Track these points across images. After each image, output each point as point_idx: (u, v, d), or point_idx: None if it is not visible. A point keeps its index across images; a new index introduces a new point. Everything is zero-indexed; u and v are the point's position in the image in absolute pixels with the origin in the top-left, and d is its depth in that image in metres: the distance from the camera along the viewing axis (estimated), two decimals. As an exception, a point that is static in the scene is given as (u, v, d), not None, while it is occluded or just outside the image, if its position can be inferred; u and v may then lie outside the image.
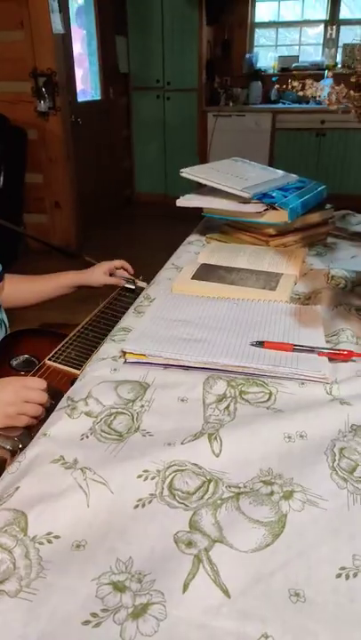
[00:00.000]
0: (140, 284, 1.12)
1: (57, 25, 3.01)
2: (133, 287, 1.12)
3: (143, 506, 0.48)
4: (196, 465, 0.52)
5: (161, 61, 4.39)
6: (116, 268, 1.16)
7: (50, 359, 0.87)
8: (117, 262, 1.16)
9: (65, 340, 0.91)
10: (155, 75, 4.45)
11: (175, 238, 1.32)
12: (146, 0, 4.21)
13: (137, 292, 1.08)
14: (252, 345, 0.71)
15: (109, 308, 1.04)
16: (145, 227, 4.29)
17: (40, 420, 0.66)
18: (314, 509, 0.47)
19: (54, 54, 3.06)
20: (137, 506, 0.48)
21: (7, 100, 3.11)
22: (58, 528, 0.46)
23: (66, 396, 0.66)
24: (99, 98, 4.11)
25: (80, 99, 3.74)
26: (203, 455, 0.53)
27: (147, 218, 4.48)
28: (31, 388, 0.71)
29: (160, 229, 3.98)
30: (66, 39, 3.31)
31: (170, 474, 0.51)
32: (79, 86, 3.78)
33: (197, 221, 1.33)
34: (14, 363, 0.91)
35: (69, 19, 3.45)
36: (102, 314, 1.02)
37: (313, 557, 0.43)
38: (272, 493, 0.48)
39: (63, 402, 0.64)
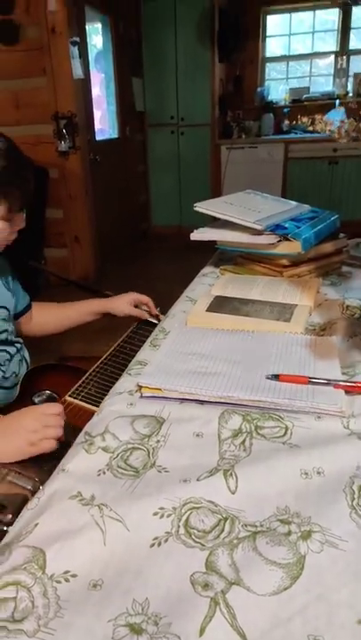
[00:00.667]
0: (163, 318, 1.14)
1: (77, 70, 3.15)
2: (155, 321, 1.13)
3: (159, 545, 0.48)
4: (212, 502, 0.52)
5: (175, 99, 4.54)
6: (142, 303, 1.18)
7: (70, 396, 0.88)
8: (144, 298, 1.19)
9: (85, 377, 0.93)
10: (169, 111, 4.60)
11: (190, 270, 1.34)
12: (160, 43, 4.39)
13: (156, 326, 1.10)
14: (268, 378, 0.71)
15: (128, 342, 1.05)
16: (160, 259, 4.35)
17: (57, 458, 0.67)
18: (333, 551, 0.46)
19: (74, 98, 3.19)
20: (153, 544, 0.48)
21: (30, 142, 3.24)
22: (75, 566, 0.46)
23: (84, 430, 0.66)
24: (116, 136, 4.26)
25: (98, 137, 3.88)
26: (219, 492, 0.53)
27: (162, 250, 4.55)
28: (49, 414, 0.73)
29: (175, 261, 4.03)
30: (85, 83, 3.46)
31: (186, 511, 0.51)
32: (97, 126, 3.92)
33: (212, 252, 1.35)
34: (37, 399, 0.92)
35: (89, 64, 3.61)
36: (121, 348, 1.03)
37: (333, 601, 0.41)
38: (289, 533, 0.48)
39: (81, 437, 0.65)
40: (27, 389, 0.94)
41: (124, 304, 1.17)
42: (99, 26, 4.00)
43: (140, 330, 1.11)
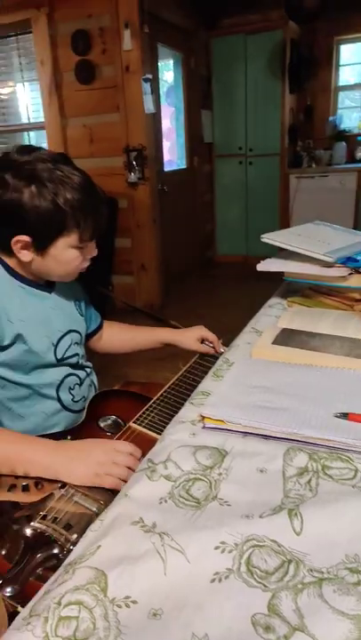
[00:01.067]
0: (226, 350, 1.14)
1: (149, 105, 3.30)
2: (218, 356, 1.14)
3: (220, 580, 0.47)
4: (275, 542, 0.50)
5: (244, 130, 4.61)
6: (208, 340, 1.19)
7: (135, 422, 0.90)
8: (211, 336, 1.19)
9: (148, 404, 0.95)
10: (238, 142, 4.67)
11: (255, 300, 1.34)
12: (231, 77, 4.51)
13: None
14: (336, 416, 0.69)
15: (191, 373, 1.06)
16: (225, 288, 4.36)
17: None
18: None
19: (145, 131, 3.34)
20: (214, 580, 0.47)
21: (103, 174, 3.41)
22: (135, 593, 0.46)
23: (146, 457, 0.67)
24: (184, 166, 4.38)
25: (167, 168, 4.01)
26: (283, 532, 0.52)
27: (227, 279, 4.56)
28: (121, 452, 0.76)
29: (240, 291, 4.02)
30: (156, 116, 3.61)
31: (248, 549, 0.50)
32: (166, 157, 4.06)
33: (277, 282, 1.34)
34: (102, 424, 0.95)
35: (160, 98, 3.77)
36: (184, 378, 1.04)
37: None
38: (359, 583, 0.45)
39: (144, 463, 0.66)
40: (92, 413, 0.97)
41: (191, 339, 1.18)
42: (170, 62, 4.18)
43: (203, 361, 1.12)
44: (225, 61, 4.49)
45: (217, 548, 0.50)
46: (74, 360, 1.04)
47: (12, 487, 0.75)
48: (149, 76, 3.28)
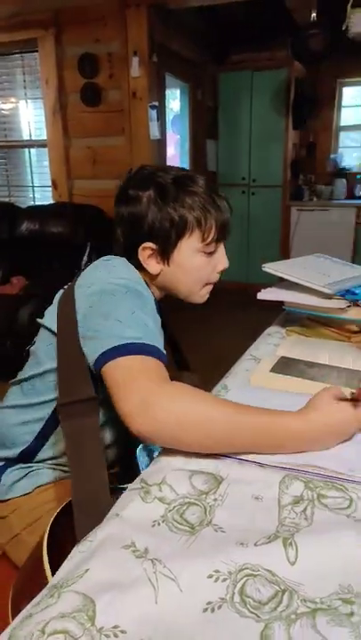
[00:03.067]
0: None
1: (154, 131, 3.37)
2: None
3: (213, 611, 0.46)
4: (269, 571, 0.50)
5: (247, 161, 4.71)
6: None
7: None
8: None
9: None
10: (241, 172, 4.76)
11: (254, 327, 1.35)
12: (236, 110, 4.63)
13: None
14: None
15: None
16: (225, 314, 4.38)
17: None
18: None
19: (149, 156, 3.39)
20: (206, 609, 0.46)
21: (105, 196, 3.45)
22: (124, 622, 0.45)
23: (140, 477, 0.66)
24: (188, 194, 4.44)
25: (171, 195, 4.06)
26: (277, 561, 0.51)
27: (227, 305, 4.58)
28: None
29: (239, 317, 4.04)
30: (161, 143, 3.68)
31: (242, 577, 0.49)
32: (170, 183, 4.12)
33: (276, 310, 1.35)
34: None
35: (165, 125, 3.86)
36: None
37: None
38: (352, 614, 0.45)
39: (137, 483, 0.65)
40: None
41: None
42: (177, 91, 4.30)
43: None
44: (231, 94, 4.62)
45: (210, 576, 0.49)
46: None
47: None
48: (156, 104, 3.37)
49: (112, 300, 0.77)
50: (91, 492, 0.68)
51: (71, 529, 0.64)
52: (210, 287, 0.97)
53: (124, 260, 0.87)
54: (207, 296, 0.98)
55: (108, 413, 0.84)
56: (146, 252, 0.88)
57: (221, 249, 0.94)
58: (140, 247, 0.88)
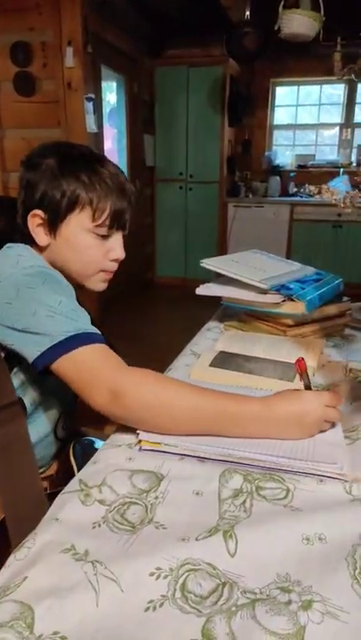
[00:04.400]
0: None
1: (91, 124, 3.31)
2: None
3: (154, 609, 0.46)
4: (210, 565, 0.50)
5: (185, 156, 4.74)
6: None
7: None
8: None
9: None
10: (178, 168, 4.78)
11: (192, 321, 1.36)
12: (173, 105, 4.64)
13: None
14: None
15: None
16: (164, 309, 4.40)
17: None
18: (334, 622, 0.44)
19: (87, 150, 3.33)
20: (148, 608, 0.46)
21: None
22: (65, 628, 0.44)
23: (78, 478, 0.65)
24: (126, 188, 4.40)
25: (108, 189, 4.01)
26: (218, 554, 0.52)
27: (166, 300, 4.61)
28: (331, 406, 0.72)
29: (178, 312, 4.07)
30: (98, 136, 3.62)
31: (183, 573, 0.49)
32: (108, 178, 4.07)
33: (215, 304, 1.37)
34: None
35: (102, 119, 3.79)
36: None
37: None
38: (290, 602, 0.46)
39: (75, 484, 0.63)
40: None
41: None
42: (113, 84, 4.24)
43: None
44: (168, 89, 4.62)
45: (152, 574, 0.49)
46: None
47: None
48: (92, 96, 3.30)
49: (33, 294, 0.75)
50: (26, 509, 0.66)
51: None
52: (107, 276, 0.94)
53: (23, 246, 0.86)
54: (104, 285, 0.96)
55: (33, 407, 0.82)
56: (35, 219, 0.86)
57: (118, 238, 0.91)
58: (30, 214, 0.85)
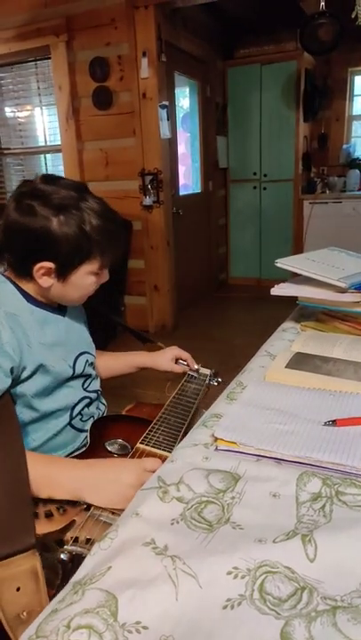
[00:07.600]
0: (203, 370, 1.19)
1: (165, 131, 3.37)
2: (195, 375, 1.18)
3: (232, 607, 0.46)
4: (288, 568, 0.50)
5: (258, 156, 4.68)
6: (182, 359, 1.21)
7: (141, 443, 0.91)
8: (184, 354, 1.22)
9: (151, 425, 0.96)
10: (252, 168, 4.74)
11: (267, 323, 1.34)
12: (246, 105, 4.60)
13: (201, 379, 1.17)
14: (327, 424, 0.71)
15: (182, 395, 1.09)
16: (238, 310, 4.37)
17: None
18: None
19: (160, 156, 3.40)
20: (226, 606, 0.46)
21: (118, 197, 3.47)
22: (146, 618, 0.46)
23: (156, 475, 0.67)
24: (199, 191, 4.45)
25: (182, 192, 4.07)
26: (296, 558, 0.51)
27: (240, 301, 4.58)
28: (150, 471, 0.75)
29: (252, 313, 4.03)
30: (171, 141, 3.68)
31: (261, 575, 0.49)
32: (181, 181, 4.13)
33: (290, 305, 1.34)
34: (109, 447, 0.96)
35: (176, 124, 3.85)
36: (176, 398, 1.07)
37: None
38: (373, 612, 0.45)
39: (154, 481, 0.65)
40: (97, 437, 0.98)
41: (165, 360, 1.20)
42: (186, 89, 4.28)
43: (188, 382, 1.16)
44: (240, 90, 4.59)
45: (229, 573, 0.50)
46: (88, 381, 1.04)
47: (34, 515, 0.73)
48: (166, 103, 3.36)
49: None
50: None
51: None
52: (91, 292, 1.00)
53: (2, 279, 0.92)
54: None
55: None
56: (42, 270, 0.90)
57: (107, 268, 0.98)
58: (38, 266, 0.89)
